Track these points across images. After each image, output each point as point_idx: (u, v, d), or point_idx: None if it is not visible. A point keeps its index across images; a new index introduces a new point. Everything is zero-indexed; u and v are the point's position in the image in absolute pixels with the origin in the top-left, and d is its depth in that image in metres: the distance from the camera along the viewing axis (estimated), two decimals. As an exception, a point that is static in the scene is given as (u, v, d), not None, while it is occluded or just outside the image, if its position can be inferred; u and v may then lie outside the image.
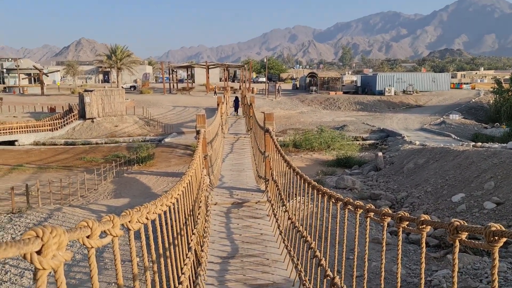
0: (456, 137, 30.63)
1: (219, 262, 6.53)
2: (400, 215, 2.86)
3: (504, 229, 1.90)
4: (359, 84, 61.43)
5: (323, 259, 4.49)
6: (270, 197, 9.29)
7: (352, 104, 52.21)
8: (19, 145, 35.13)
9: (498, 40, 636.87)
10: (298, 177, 5.88)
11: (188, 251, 4.80)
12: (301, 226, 5.77)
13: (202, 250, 6.40)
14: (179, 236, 4.26)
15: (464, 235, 2.15)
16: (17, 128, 35.99)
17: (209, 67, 65.09)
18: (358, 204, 3.51)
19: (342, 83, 60.64)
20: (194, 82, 74.17)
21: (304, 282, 5.11)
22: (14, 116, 42.34)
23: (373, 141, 33.97)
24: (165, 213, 3.71)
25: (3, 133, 35.18)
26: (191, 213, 5.88)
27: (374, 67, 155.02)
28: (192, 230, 5.65)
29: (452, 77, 70.42)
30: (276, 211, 8.00)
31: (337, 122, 41.33)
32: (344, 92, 58.21)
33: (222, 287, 5.70)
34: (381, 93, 55.27)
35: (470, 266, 7.99)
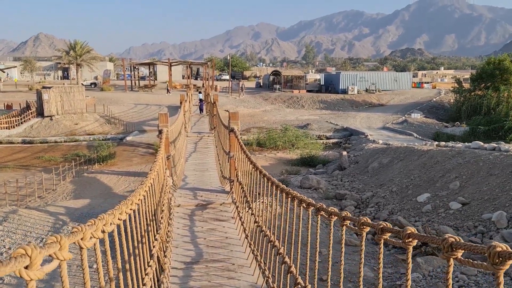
0: (418, 136, 31.47)
1: (183, 268, 6.32)
2: (382, 226, 2.61)
3: (511, 250, 1.69)
4: (322, 82, 62.13)
5: (293, 265, 4.37)
6: (235, 199, 9.12)
7: (316, 102, 52.73)
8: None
9: (458, 40, 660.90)
10: (265, 179, 5.75)
11: (150, 259, 4.57)
12: (268, 230, 5.64)
13: (165, 256, 6.16)
14: (140, 244, 4.03)
15: (459, 253, 1.95)
16: (-29, 126, 34.26)
17: (172, 64, 64.10)
18: (333, 211, 3.39)
19: (306, 82, 61.18)
20: (156, 80, 72.87)
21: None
22: (-33, 114, 40.23)
23: (336, 140, 34.38)
24: (124, 221, 3.49)
25: (-44, 131, 33.43)
26: (154, 217, 5.64)
27: (337, 66, 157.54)
28: (155, 236, 5.41)
29: (413, 76, 72.49)
30: (242, 213, 7.85)
31: (301, 121, 41.58)
32: (308, 91, 58.74)
33: None
34: (345, 91, 56.12)
35: (440, 270, 8.09)
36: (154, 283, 4.67)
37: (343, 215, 3.16)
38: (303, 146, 28.61)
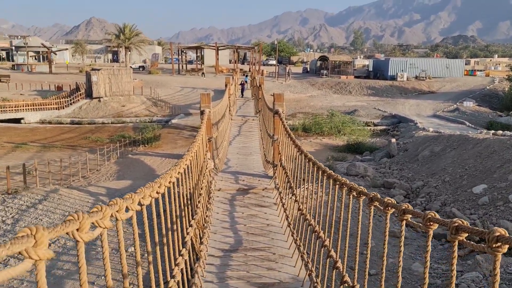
0: (470, 124, 29.68)
1: (221, 256, 5.91)
2: (403, 208, 2.59)
3: (508, 235, 1.72)
4: (371, 68, 60.04)
5: (339, 261, 3.83)
6: (278, 184, 8.63)
7: (363, 88, 51.10)
8: (25, 123, 34.82)
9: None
10: (311, 163, 5.19)
11: (183, 247, 4.16)
12: (312, 219, 5.10)
13: (201, 243, 5.77)
14: (169, 232, 3.63)
15: (505, 249, 1.77)
16: (23, 106, 35.73)
17: (219, 48, 64.02)
18: (390, 202, 2.85)
19: (354, 67, 59.31)
20: (203, 64, 73.20)
21: (316, 284, 4.47)
22: (21, 94, 41.99)
23: (384, 127, 33.14)
24: (150, 205, 3.11)
25: (9, 110, 34.97)
26: (189, 201, 5.24)
27: (386, 52, 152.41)
28: (189, 222, 5.01)
29: (465, 64, 68.69)
30: (285, 200, 7.35)
31: (348, 107, 40.41)
32: (356, 77, 56.97)
33: (222, 285, 5.08)
34: (393, 78, 53.99)
35: (503, 269, 7.26)
36: (187, 272, 4.27)
37: (403, 207, 2.59)
38: (350, 132, 27.64)
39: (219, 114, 12.45)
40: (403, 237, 2.70)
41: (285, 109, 9.47)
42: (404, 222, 2.64)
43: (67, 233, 1.56)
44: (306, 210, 5.46)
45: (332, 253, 4.03)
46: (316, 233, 4.66)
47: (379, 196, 3.07)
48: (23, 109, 35.58)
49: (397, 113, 36.21)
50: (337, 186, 3.96)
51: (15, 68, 62.17)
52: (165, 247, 3.43)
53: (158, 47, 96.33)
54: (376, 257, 7.32)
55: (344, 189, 3.73)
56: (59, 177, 16.82)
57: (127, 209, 2.41)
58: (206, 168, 7.81)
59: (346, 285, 3.59)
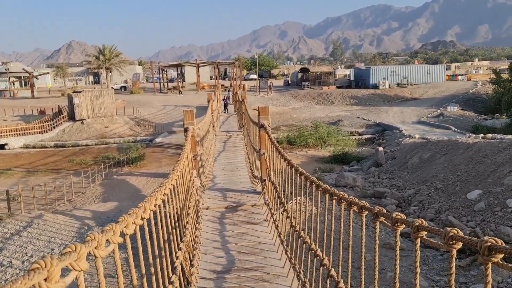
0: (456, 129, 29.99)
1: (213, 278, 5.67)
2: (417, 224, 2.38)
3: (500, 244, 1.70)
4: (352, 78, 60.68)
5: (341, 281, 3.64)
6: (267, 200, 8.43)
7: (346, 98, 51.50)
8: (9, 149, 34.14)
9: (491, 31, 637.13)
10: (303, 177, 5.03)
11: (172, 274, 3.93)
12: (307, 237, 4.92)
13: (191, 265, 5.52)
14: (157, 259, 3.40)
15: (498, 257, 1.75)
16: (6, 132, 35.12)
17: (199, 65, 64.02)
18: (379, 210, 2.70)
19: (335, 78, 59.83)
20: (184, 81, 73.04)
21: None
22: (4, 120, 41.28)
23: (369, 136, 33.30)
24: (140, 228, 2.89)
25: (-8, 137, 34.26)
26: (177, 223, 5.01)
27: (366, 61, 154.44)
28: (178, 245, 4.77)
29: (446, 69, 69.87)
30: (275, 216, 7.15)
31: (331, 117, 40.59)
32: (337, 87, 57.45)
33: None
34: (375, 86, 54.59)
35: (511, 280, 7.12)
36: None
37: (417, 224, 2.41)
38: (335, 143, 27.66)
39: (203, 130, 12.26)
40: (418, 257, 2.47)
41: (270, 122, 9.33)
42: (418, 240, 2.44)
43: (33, 286, 1.29)
44: (299, 227, 5.27)
45: (333, 272, 3.84)
46: (313, 251, 4.46)
47: (384, 210, 2.89)
48: (7, 135, 34.97)
49: (381, 121, 36.43)
50: (334, 200, 3.78)
51: (-2, 95, 61.21)
52: (153, 277, 3.21)
53: (139, 66, 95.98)
54: (372, 271, 7.14)
55: (343, 204, 3.56)
56: (44, 202, 16.37)
57: (107, 242, 2.16)
58: (193, 187, 7.59)
59: None
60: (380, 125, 35.17)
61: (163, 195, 3.96)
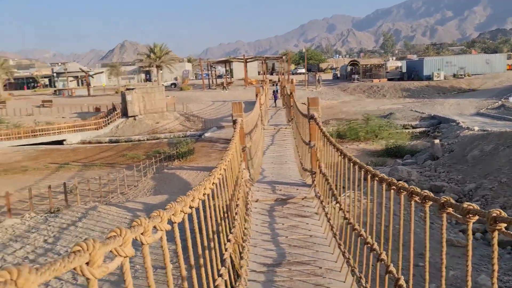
0: (520, 121, 28.14)
1: (263, 271, 5.50)
2: (495, 215, 2.07)
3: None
4: (404, 70, 58.57)
5: (402, 278, 3.33)
6: (318, 192, 8.15)
7: (398, 91, 49.86)
8: (67, 144, 35.90)
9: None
10: (357, 167, 4.73)
11: (222, 266, 3.78)
12: (362, 230, 4.62)
13: (241, 257, 5.38)
14: (206, 251, 3.25)
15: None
16: (65, 128, 37.07)
17: (247, 60, 64.23)
18: (472, 208, 2.34)
19: (386, 70, 58.00)
20: (232, 77, 73.59)
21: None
22: (62, 117, 43.50)
23: (423, 129, 32.01)
24: (189, 218, 2.75)
25: (53, 133, 36.23)
26: (226, 214, 4.87)
27: (419, 53, 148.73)
28: (227, 237, 4.63)
29: (507, 59, 65.87)
30: (327, 209, 6.87)
31: (383, 111, 39.41)
32: (389, 79, 55.70)
33: None
34: (429, 78, 52.39)
35: None
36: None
37: (494, 215, 2.09)
38: (388, 136, 26.74)
39: (251, 123, 12.13)
40: (496, 253, 2.14)
41: (320, 114, 9.02)
42: (496, 234, 2.12)
43: (74, 269, 1.18)
44: (354, 220, 4.97)
45: (392, 268, 3.54)
46: (370, 246, 4.17)
47: (452, 200, 2.57)
48: (65, 131, 36.89)
49: (436, 113, 34.93)
50: (392, 190, 3.48)
51: (57, 93, 64.54)
52: (202, 269, 3.07)
53: (188, 64, 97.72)
54: (434, 270, 6.69)
55: (403, 194, 3.25)
56: (99, 195, 16.95)
57: (155, 230, 2.00)
58: (242, 178, 7.45)
59: None
60: (435, 117, 33.70)
61: (212, 184, 3.82)
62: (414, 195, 3.07)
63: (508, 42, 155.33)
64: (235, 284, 4.46)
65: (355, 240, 4.89)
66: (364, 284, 4.33)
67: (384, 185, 3.74)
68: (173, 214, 2.35)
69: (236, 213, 5.59)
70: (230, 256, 4.38)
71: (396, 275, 3.42)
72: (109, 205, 11.56)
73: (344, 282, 5.00)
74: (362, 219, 4.79)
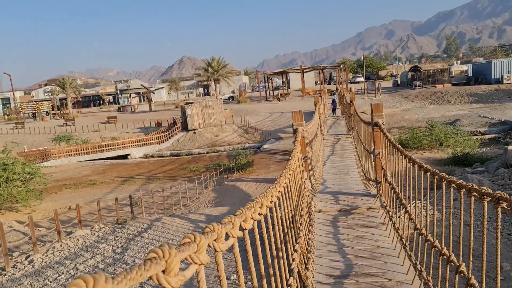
0: None
1: (330, 283, 5.34)
2: None
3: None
4: (470, 74, 55.76)
5: (476, 281, 3.07)
6: (384, 202, 7.86)
7: (464, 96, 47.48)
8: (131, 159, 37.46)
9: None
10: (429, 174, 4.49)
11: (290, 276, 3.70)
12: (436, 240, 4.35)
13: (307, 269, 5.26)
14: (275, 260, 3.19)
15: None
16: (129, 143, 38.71)
17: (304, 71, 64.07)
18: None
19: (451, 75, 55.49)
20: (289, 88, 73.70)
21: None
22: (126, 132, 45.52)
23: (493, 135, 30.17)
24: (258, 224, 2.71)
25: (118, 148, 38.01)
26: (291, 224, 4.79)
27: (485, 56, 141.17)
28: (294, 247, 4.54)
29: None
30: (394, 219, 6.59)
31: (448, 117, 37.67)
32: (453, 84, 53.26)
33: None
34: (498, 81, 49.52)
35: None
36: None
37: None
38: (454, 144, 25.41)
39: (311, 133, 12.00)
40: None
41: (384, 120, 8.73)
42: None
43: (150, 278, 1.12)
44: (426, 230, 4.70)
45: (473, 281, 3.28)
46: (446, 257, 3.91)
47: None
48: (129, 146, 38.53)
49: (507, 119, 32.84)
50: (472, 197, 3.24)
51: (121, 110, 67.80)
52: (272, 278, 3.00)
53: (245, 76, 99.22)
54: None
55: (486, 201, 3.00)
56: (162, 207, 17.43)
57: (226, 237, 1.94)
58: (305, 188, 7.34)
59: None
60: (506, 123, 31.69)
61: (278, 192, 3.76)
62: (501, 201, 2.83)
63: None
64: (303, 295, 4.35)
65: (427, 252, 4.62)
66: (440, 299, 4.06)
67: (462, 192, 3.50)
68: (243, 221, 2.32)
69: (300, 224, 5.50)
70: (297, 267, 4.28)
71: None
72: (173, 217, 11.85)
73: None
74: (435, 230, 4.53)
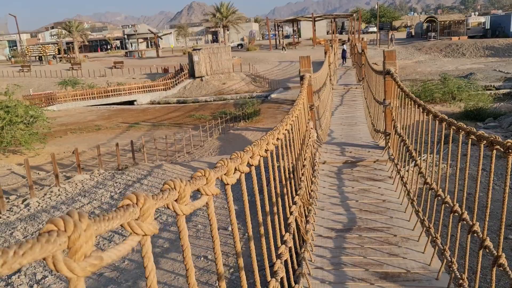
0: None
1: (331, 237, 5.10)
2: None
3: None
4: (487, 26, 53.54)
5: (503, 255, 2.76)
6: (392, 155, 7.51)
7: (480, 49, 45.83)
8: (137, 105, 37.16)
9: None
10: (444, 124, 4.09)
11: (286, 232, 3.41)
12: (448, 196, 4.02)
13: (307, 221, 4.99)
14: (269, 215, 2.88)
15: None
16: (135, 89, 38.24)
17: (315, 19, 62.00)
18: None
19: (467, 27, 53.33)
20: (300, 37, 71.68)
21: (462, 282, 3.44)
22: (133, 78, 44.90)
23: (508, 90, 29.24)
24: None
25: (124, 94, 37.59)
26: (292, 175, 4.47)
27: (505, 7, 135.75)
28: (293, 198, 4.24)
29: None
30: (403, 172, 6.26)
31: (462, 71, 36.51)
32: (469, 37, 51.29)
33: (335, 273, 4.27)
34: (517, 34, 47.59)
35: None
36: (292, 261, 3.54)
37: None
38: (467, 98, 24.68)
39: (320, 81, 11.49)
40: None
41: (397, 69, 8.20)
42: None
43: (165, 206, 1.23)
44: (437, 185, 4.36)
45: (488, 242, 2.97)
46: (458, 215, 3.59)
47: None
48: (135, 92, 38.06)
49: (524, 73, 31.76)
50: (494, 151, 2.85)
51: (128, 55, 66.65)
52: (270, 229, 2.73)
53: (255, 24, 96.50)
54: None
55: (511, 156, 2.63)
56: (165, 154, 17.26)
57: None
58: (309, 138, 6.99)
59: None
60: (522, 78, 30.69)
61: (285, 131, 3.60)
62: (471, 135, 2.70)
63: None
64: (301, 250, 4.10)
65: (437, 208, 4.31)
66: (448, 258, 3.78)
67: (482, 145, 3.12)
68: (251, 157, 2.38)
69: (302, 174, 5.18)
70: (296, 220, 4.01)
71: (496, 252, 2.85)
72: (175, 164, 11.64)
73: (423, 253, 4.48)
74: (447, 186, 4.19)
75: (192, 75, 41.40)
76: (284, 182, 3.87)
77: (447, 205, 3.94)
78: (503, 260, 2.75)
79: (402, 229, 5.15)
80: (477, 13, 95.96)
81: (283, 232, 3.28)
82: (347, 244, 4.89)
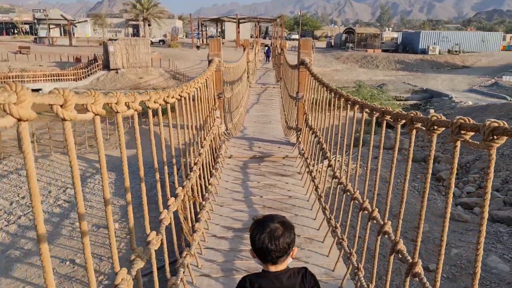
0: (512, 99, 27.21)
1: (227, 237, 4.37)
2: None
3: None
4: (399, 41, 57.01)
5: (419, 262, 2.18)
6: (303, 150, 6.99)
7: (392, 62, 48.52)
8: (43, 94, 34.02)
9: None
10: (339, 98, 3.57)
11: (151, 231, 2.58)
12: (357, 192, 3.46)
13: (197, 220, 4.17)
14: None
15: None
16: (41, 77, 34.87)
17: (240, 21, 61.84)
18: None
19: (382, 40, 56.31)
20: (224, 38, 71.12)
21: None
22: (39, 65, 41.20)
23: (415, 102, 31.05)
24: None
25: (27, 81, 34.07)
26: (184, 158, 3.67)
27: (414, 28, 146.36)
28: (175, 189, 3.43)
29: (502, 39, 64.50)
30: (312, 167, 5.72)
31: (375, 81, 38.24)
32: (383, 50, 54.17)
33: (225, 281, 3.52)
34: (424, 51, 51.10)
35: None
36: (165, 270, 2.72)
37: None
38: (380, 105, 25.62)
39: (234, 73, 10.82)
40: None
41: (312, 60, 7.74)
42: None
43: (50, 105, 1.21)
44: (346, 180, 3.80)
45: (401, 246, 2.40)
46: (368, 212, 3.01)
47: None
48: (41, 80, 34.69)
49: (429, 87, 33.89)
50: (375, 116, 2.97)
51: (37, 41, 61.50)
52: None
53: (179, 21, 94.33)
54: (433, 245, 5.64)
55: (375, 116, 3.06)
56: (63, 145, 15.57)
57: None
58: (213, 125, 6.24)
59: None
60: (428, 91, 32.73)
61: (193, 88, 2.96)
62: (386, 115, 2.83)
63: (504, 23, 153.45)
64: (181, 255, 3.27)
65: (345, 208, 3.74)
66: (355, 263, 3.20)
67: (399, 125, 2.60)
68: (148, 100, 2.40)
69: (195, 164, 4.37)
70: (178, 219, 3.21)
71: (409, 257, 2.27)
72: (65, 155, 10.29)
73: (328, 256, 3.89)
74: (356, 182, 3.64)
75: (106, 66, 38.89)
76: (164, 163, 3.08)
77: (356, 202, 3.38)
78: (419, 268, 2.17)
79: (307, 228, 4.56)
80: (391, 29, 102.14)
81: (148, 231, 2.45)
82: (244, 246, 4.18)
